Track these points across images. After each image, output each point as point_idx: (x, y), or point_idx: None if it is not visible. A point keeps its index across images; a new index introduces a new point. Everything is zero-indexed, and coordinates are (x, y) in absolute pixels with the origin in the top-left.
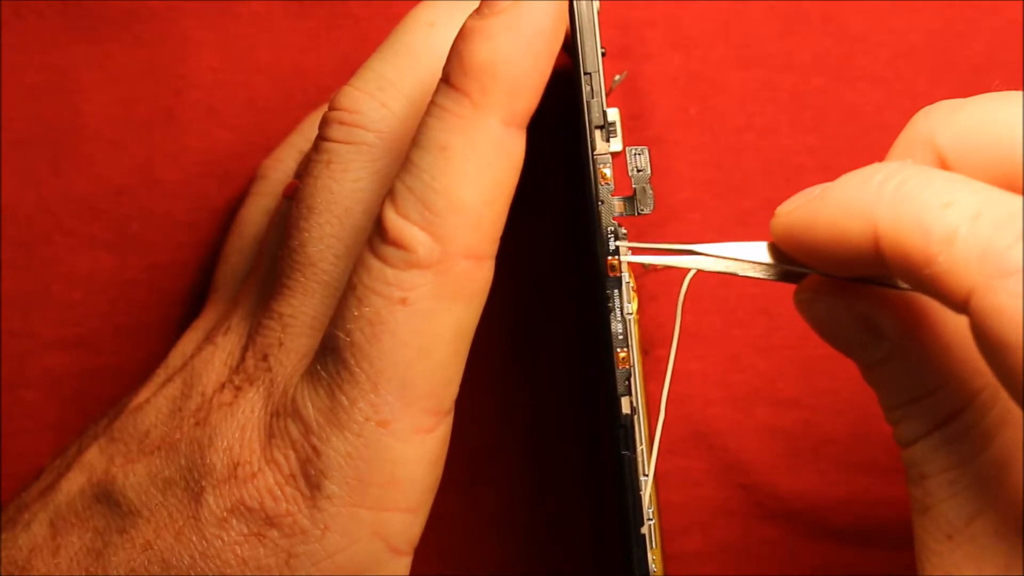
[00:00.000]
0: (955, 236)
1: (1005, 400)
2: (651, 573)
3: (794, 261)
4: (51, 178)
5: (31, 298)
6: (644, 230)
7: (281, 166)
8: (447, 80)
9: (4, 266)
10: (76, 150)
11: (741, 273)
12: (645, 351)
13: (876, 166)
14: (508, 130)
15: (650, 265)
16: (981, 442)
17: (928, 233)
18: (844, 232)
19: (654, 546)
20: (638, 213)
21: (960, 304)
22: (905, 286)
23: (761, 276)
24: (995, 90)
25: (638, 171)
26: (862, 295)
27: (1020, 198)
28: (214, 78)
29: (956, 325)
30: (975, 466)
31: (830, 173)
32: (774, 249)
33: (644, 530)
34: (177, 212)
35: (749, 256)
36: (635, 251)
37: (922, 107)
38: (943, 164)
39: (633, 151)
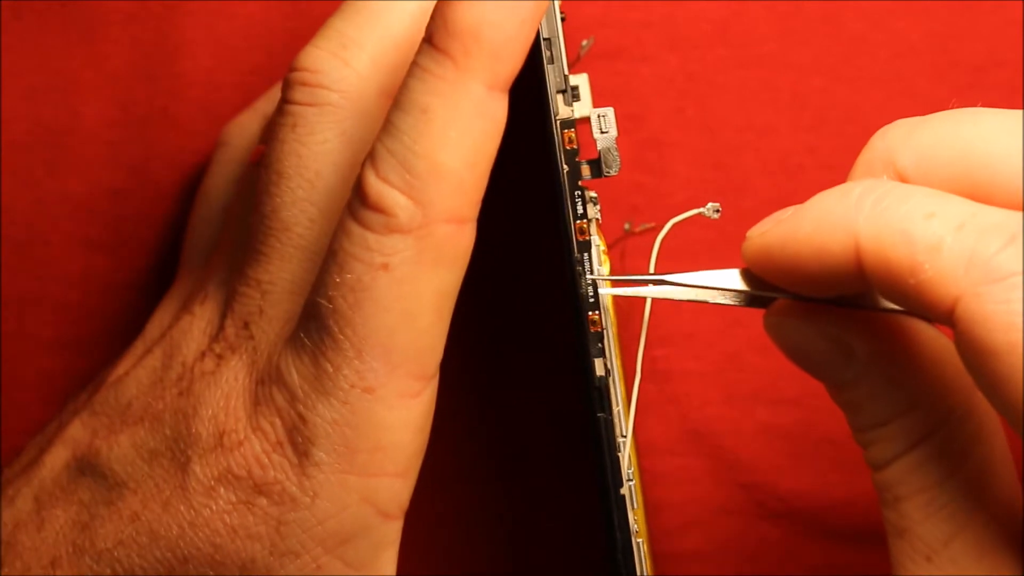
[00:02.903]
0: (941, 245)
1: (979, 417)
2: (633, 532)
3: (766, 285)
4: (48, 179)
5: (27, 299)
6: (632, 218)
7: (244, 132)
8: (430, 41)
9: (1, 267)
10: (73, 151)
11: (711, 300)
12: (628, 315)
13: (852, 183)
14: (491, 94)
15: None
16: (955, 461)
17: (912, 243)
18: (823, 248)
19: (636, 506)
20: (604, 175)
21: (945, 314)
22: (884, 306)
23: (731, 303)
24: (954, 107)
25: (602, 132)
26: (832, 316)
27: (999, 210)
28: (209, 79)
29: (928, 344)
30: (950, 485)
31: (830, 173)
32: (746, 275)
33: (624, 491)
34: (173, 214)
35: (721, 283)
36: (613, 283)
37: (922, 107)
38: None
39: (598, 112)
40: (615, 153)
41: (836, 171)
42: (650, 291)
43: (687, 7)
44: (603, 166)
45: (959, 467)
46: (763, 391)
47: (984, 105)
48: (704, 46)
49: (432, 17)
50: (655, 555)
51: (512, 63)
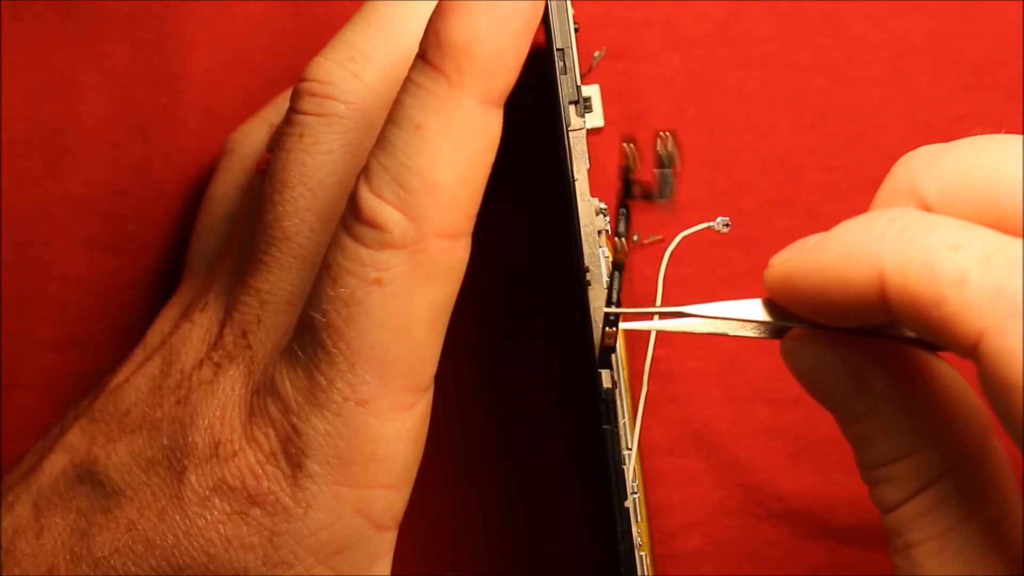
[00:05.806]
0: (966, 278)
1: (995, 462)
2: (636, 545)
3: (788, 316)
4: (49, 179)
5: (28, 299)
6: (641, 230)
7: (249, 140)
8: (423, 57)
9: (2, 267)
10: (74, 151)
11: (732, 333)
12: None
13: (877, 212)
14: (485, 109)
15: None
16: (969, 506)
17: (937, 276)
18: (847, 278)
19: (639, 519)
20: (657, 199)
21: (970, 348)
22: (906, 335)
23: (752, 335)
24: (977, 133)
25: (666, 153)
26: (852, 346)
27: None
28: (210, 79)
29: (945, 382)
30: (963, 531)
31: (830, 173)
32: (768, 305)
33: (628, 503)
34: (174, 213)
35: (742, 314)
36: (625, 317)
37: (922, 107)
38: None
39: (664, 134)
40: (671, 179)
41: (836, 171)
42: (668, 324)
43: (688, 7)
44: (659, 192)
45: (973, 513)
46: (763, 391)
47: (984, 106)
48: (705, 46)
49: (425, 33)
50: (656, 555)
51: (505, 78)
